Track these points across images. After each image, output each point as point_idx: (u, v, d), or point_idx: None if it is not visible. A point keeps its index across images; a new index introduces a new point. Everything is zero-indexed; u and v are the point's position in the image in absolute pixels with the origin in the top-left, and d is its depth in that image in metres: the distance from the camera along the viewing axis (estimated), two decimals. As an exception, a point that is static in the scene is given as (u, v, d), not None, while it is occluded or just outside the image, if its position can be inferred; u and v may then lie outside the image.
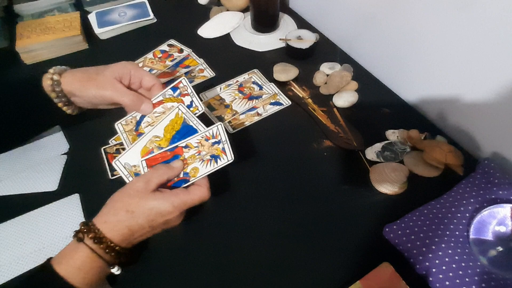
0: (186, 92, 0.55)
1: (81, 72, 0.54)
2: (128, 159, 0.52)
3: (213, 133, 0.51)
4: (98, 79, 0.52)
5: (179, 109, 0.53)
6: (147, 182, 0.44)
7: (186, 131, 0.52)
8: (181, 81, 0.55)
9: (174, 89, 0.55)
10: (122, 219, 0.43)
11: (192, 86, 0.54)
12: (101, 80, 0.52)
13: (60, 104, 0.53)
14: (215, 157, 0.49)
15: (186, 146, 0.50)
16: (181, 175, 0.48)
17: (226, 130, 0.51)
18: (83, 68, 0.55)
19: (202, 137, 0.50)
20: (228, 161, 0.48)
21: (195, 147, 0.50)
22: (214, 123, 0.51)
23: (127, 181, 0.49)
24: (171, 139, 0.52)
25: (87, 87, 0.52)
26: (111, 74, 0.53)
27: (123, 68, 0.54)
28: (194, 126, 0.52)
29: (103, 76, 0.52)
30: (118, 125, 0.55)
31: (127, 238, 0.43)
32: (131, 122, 0.56)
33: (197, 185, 0.47)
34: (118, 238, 0.42)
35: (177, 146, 0.50)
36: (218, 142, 0.50)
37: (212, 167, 0.48)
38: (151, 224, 0.44)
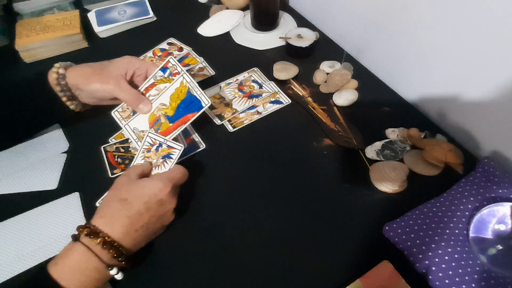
0: (176, 71, 0.55)
1: (87, 66, 0.56)
2: (137, 124, 0.54)
3: (149, 143, 0.52)
4: (103, 73, 0.54)
5: (183, 77, 0.54)
6: (127, 174, 0.48)
7: (190, 101, 0.53)
8: (169, 60, 0.56)
9: (164, 69, 0.56)
10: (117, 208, 0.43)
11: None
12: (105, 75, 0.54)
13: (64, 98, 0.54)
14: (167, 156, 0.51)
15: None
16: None
17: (226, 129, 0.51)
18: (89, 63, 0.56)
19: (143, 152, 0.52)
20: (180, 150, 0.51)
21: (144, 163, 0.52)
22: (214, 121, 0.51)
23: (136, 146, 0.54)
24: (176, 108, 0.53)
25: (91, 81, 0.53)
26: (115, 69, 0.54)
27: (128, 62, 0.56)
28: (198, 97, 0.53)
29: (108, 71, 0.54)
30: (115, 113, 0.56)
31: (128, 230, 0.42)
32: (128, 108, 0.56)
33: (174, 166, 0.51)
34: (119, 230, 0.42)
35: None
36: (160, 145, 0.52)
37: (170, 164, 0.50)
38: (148, 207, 0.44)
